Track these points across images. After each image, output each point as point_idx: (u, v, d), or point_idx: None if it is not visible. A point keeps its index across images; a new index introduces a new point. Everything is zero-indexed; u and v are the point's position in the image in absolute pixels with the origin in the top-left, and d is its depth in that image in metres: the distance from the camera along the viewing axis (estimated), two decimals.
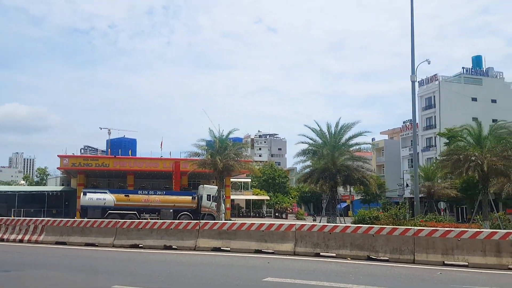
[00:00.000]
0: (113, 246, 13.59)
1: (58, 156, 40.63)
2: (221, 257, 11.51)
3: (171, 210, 32.81)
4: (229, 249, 12.53)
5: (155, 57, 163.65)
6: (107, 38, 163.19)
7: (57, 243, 14.27)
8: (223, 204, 36.04)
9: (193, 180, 44.49)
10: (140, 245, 13.50)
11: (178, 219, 28.21)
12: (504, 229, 19.46)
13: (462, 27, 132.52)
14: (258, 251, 12.17)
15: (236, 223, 13.26)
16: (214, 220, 25.51)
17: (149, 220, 14.63)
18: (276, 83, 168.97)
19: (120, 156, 43.04)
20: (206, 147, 32.43)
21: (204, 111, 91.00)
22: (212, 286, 7.85)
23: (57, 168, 44.64)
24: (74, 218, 29.17)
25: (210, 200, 34.26)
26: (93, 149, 56.94)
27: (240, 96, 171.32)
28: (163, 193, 34.61)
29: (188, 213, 32.61)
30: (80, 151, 52.01)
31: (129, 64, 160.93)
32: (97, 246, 13.80)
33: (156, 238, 13.35)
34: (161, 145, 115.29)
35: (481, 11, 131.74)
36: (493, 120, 38.03)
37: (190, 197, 34.28)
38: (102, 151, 55.85)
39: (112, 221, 14.48)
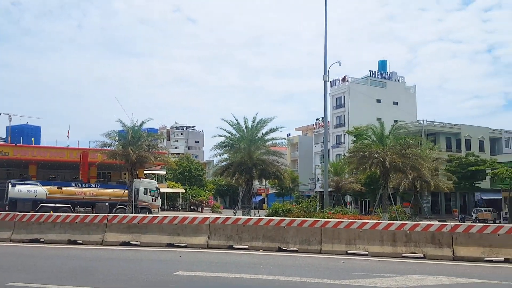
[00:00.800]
0: (11, 240, 12.55)
1: None
2: (131, 252, 11.14)
3: (107, 204, 31.41)
4: (139, 243, 12.17)
5: (64, 40, 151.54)
6: (10, 16, 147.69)
7: None
8: (159, 198, 35.30)
9: (103, 171, 42.45)
10: (41, 240, 12.61)
11: (114, 213, 27.05)
12: (400, 220, 21.35)
13: (370, 32, 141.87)
14: (170, 245, 11.98)
15: (147, 216, 12.93)
16: (151, 214, 25.06)
17: (52, 213, 13.71)
18: (195, 74, 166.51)
19: (21, 144, 39.64)
20: (117, 137, 31.07)
21: (116, 100, 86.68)
22: (119, 281, 7.54)
23: None
24: None
25: (147, 194, 33.69)
26: None
27: (156, 86, 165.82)
28: (97, 186, 33.20)
29: (123, 207, 31.25)
30: None
31: (34, 46, 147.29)
32: None
33: (60, 232, 12.56)
34: (68, 133, 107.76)
35: (387, 18, 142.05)
36: (394, 121, 41.39)
37: (126, 191, 32.93)
38: (2, 138, 51.18)
39: (10, 213, 13.41)
